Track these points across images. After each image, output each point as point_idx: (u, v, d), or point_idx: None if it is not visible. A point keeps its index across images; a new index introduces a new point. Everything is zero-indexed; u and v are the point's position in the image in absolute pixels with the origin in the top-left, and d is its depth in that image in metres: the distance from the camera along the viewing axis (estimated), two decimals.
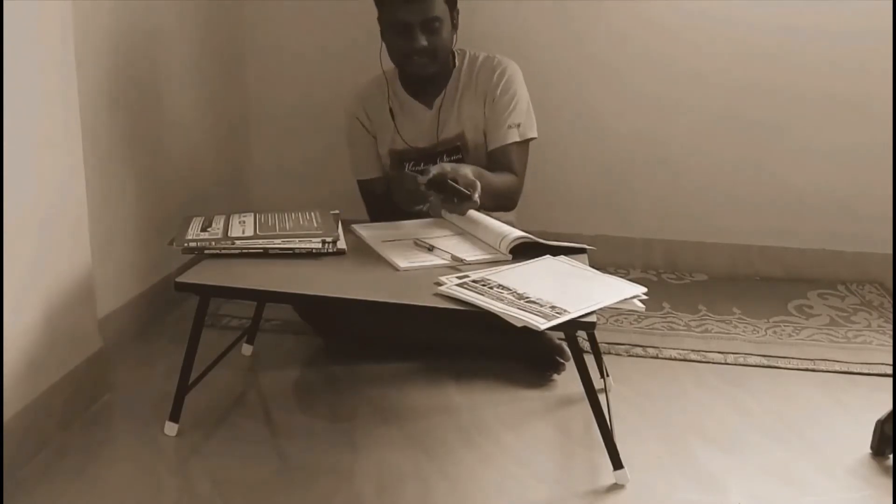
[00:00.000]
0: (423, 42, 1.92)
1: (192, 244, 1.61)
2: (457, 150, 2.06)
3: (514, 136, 2.03)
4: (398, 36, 1.94)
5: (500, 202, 1.95)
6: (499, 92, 2.02)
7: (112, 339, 1.85)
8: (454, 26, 2.01)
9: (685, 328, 2.22)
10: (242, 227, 1.68)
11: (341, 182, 2.48)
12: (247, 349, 1.99)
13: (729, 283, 2.58)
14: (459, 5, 2.02)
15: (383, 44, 2.00)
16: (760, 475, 1.55)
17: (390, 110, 2.06)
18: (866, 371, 1.99)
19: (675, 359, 2.04)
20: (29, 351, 1.51)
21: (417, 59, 1.94)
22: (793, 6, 2.44)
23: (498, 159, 2.03)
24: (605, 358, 1.91)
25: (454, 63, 2.07)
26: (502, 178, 1.98)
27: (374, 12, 1.98)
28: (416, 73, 1.99)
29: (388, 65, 2.03)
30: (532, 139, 2.07)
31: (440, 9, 1.93)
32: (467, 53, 2.09)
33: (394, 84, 2.08)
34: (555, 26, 2.53)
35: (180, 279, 1.53)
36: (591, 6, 2.51)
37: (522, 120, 2.04)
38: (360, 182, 2.15)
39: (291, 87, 2.70)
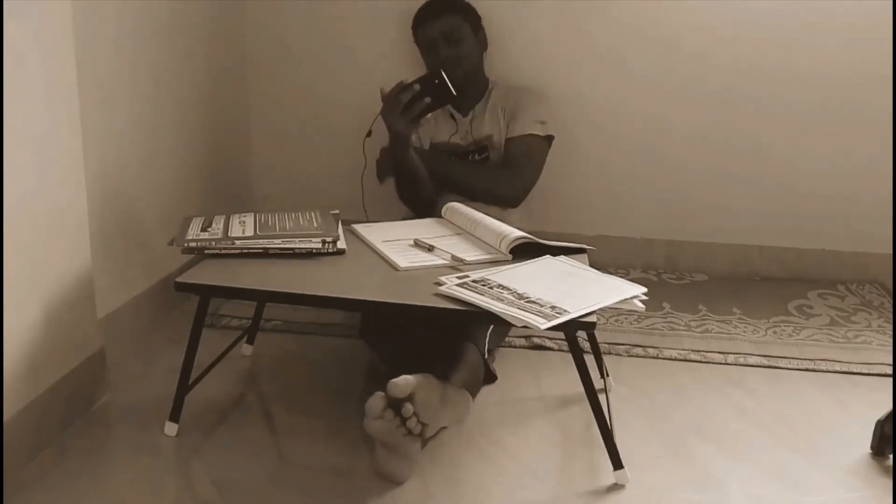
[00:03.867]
0: (447, 52, 2.19)
1: (192, 244, 1.61)
2: (484, 148, 2.26)
3: (536, 129, 2.22)
4: (429, 53, 2.24)
5: (492, 181, 2.15)
6: (528, 99, 2.28)
7: (112, 339, 1.85)
8: (480, 43, 2.29)
9: (685, 328, 2.22)
10: (242, 227, 1.68)
11: (342, 182, 2.48)
12: (247, 349, 1.99)
13: (729, 283, 2.58)
14: None
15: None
16: (760, 475, 1.55)
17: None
18: (866, 371, 1.99)
19: (676, 359, 2.04)
20: (29, 351, 1.51)
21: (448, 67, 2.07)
22: (793, 9, 2.44)
23: (514, 147, 2.20)
24: (605, 358, 1.91)
25: (488, 85, 2.33)
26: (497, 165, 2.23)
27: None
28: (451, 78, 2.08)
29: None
30: (552, 138, 2.27)
31: (457, 24, 2.22)
32: (501, 83, 2.35)
33: None
34: (555, 28, 2.53)
35: (180, 279, 1.53)
36: (590, 7, 2.52)
37: (546, 120, 2.25)
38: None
39: (292, 87, 2.69)
